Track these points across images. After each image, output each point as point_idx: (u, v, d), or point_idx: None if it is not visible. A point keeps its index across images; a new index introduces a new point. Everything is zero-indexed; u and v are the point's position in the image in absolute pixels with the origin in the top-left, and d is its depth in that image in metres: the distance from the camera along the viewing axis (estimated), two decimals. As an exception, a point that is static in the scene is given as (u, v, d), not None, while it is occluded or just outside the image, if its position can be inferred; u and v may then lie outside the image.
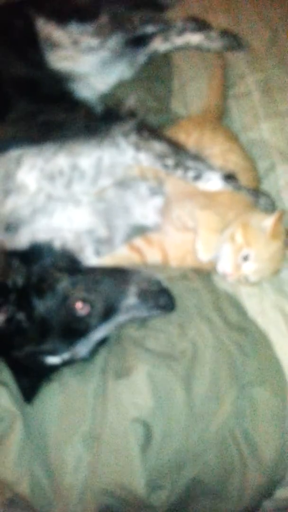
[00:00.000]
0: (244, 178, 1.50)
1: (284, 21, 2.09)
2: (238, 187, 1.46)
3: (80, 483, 1.16)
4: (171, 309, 1.27)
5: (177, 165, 1.47)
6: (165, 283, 1.30)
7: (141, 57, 2.04)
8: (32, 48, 1.82)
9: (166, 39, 2.05)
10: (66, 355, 1.23)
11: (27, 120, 1.52)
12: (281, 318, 1.36)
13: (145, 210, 1.50)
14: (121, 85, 1.99)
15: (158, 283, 1.30)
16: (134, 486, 1.11)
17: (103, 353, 1.29)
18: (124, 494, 1.12)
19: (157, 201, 1.50)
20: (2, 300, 1.20)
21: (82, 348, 1.24)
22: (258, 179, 1.60)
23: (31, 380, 1.25)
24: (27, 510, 1.27)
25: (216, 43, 2.01)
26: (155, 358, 1.21)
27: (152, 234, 1.46)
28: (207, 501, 1.22)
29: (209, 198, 1.43)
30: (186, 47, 2.05)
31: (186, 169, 1.46)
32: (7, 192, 1.33)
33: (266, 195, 1.52)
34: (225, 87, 1.87)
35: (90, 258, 1.37)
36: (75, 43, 1.88)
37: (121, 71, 1.99)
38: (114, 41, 1.94)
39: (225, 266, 1.31)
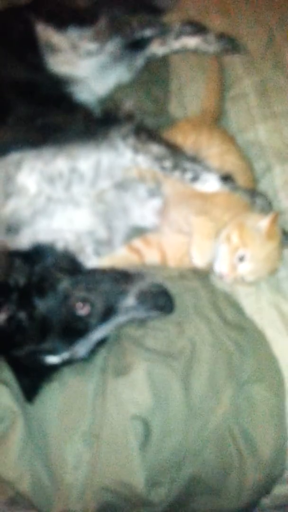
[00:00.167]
0: (241, 179, 1.52)
1: (280, 24, 2.11)
2: (235, 188, 1.48)
3: (80, 481, 1.18)
4: (170, 310, 1.29)
5: (174, 167, 1.49)
6: (165, 285, 1.32)
7: (139, 60, 2.06)
8: (31, 52, 1.84)
9: (163, 42, 2.07)
10: (65, 355, 1.24)
11: (27, 123, 1.54)
12: (277, 316, 1.38)
13: (144, 211, 1.51)
14: (119, 88, 2.01)
15: (158, 284, 1.31)
16: (133, 483, 1.12)
17: (102, 352, 1.31)
18: (124, 491, 1.14)
19: (156, 202, 1.52)
20: (4, 299, 1.22)
21: (82, 348, 1.26)
22: (254, 180, 1.62)
23: (32, 379, 1.27)
24: (28, 509, 1.29)
25: (213, 46, 2.03)
26: (154, 356, 1.23)
27: (150, 235, 1.48)
28: (206, 499, 1.23)
29: (205, 200, 1.45)
30: (183, 50, 2.07)
31: (184, 170, 1.48)
32: (7, 195, 1.35)
33: (263, 195, 1.53)
34: (222, 89, 1.89)
35: (90, 259, 1.39)
36: (74, 47, 1.90)
37: (119, 74, 2.02)
38: (113, 45, 1.96)
39: (221, 267, 1.33)
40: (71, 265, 1.33)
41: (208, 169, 1.49)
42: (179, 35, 2.07)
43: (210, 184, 1.47)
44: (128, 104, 1.75)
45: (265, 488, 1.27)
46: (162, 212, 1.50)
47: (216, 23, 2.13)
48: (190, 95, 1.95)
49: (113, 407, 1.18)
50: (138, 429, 1.16)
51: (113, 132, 1.48)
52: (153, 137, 1.53)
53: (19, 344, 1.23)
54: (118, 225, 1.48)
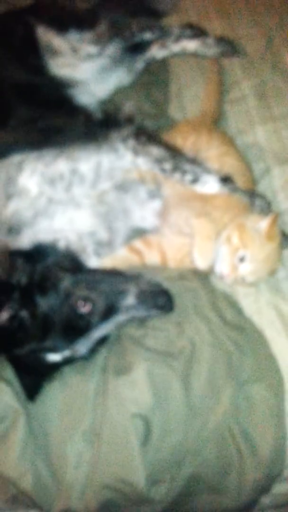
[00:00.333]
0: (240, 181, 1.53)
1: (279, 28, 2.13)
2: (235, 189, 1.49)
3: (81, 479, 1.19)
4: (170, 309, 1.30)
5: (174, 169, 1.50)
6: (165, 284, 1.33)
7: (139, 63, 2.07)
8: (32, 55, 1.85)
9: (163, 45, 2.08)
10: (66, 353, 1.26)
11: (28, 126, 1.55)
12: (276, 316, 1.39)
13: (144, 213, 1.53)
14: (119, 91, 2.03)
15: (157, 284, 1.33)
16: (134, 481, 1.14)
17: (103, 352, 1.32)
18: (124, 489, 1.15)
19: (156, 204, 1.53)
20: (6, 298, 1.23)
21: (82, 346, 1.27)
22: (253, 182, 1.63)
23: (33, 378, 1.28)
24: (29, 507, 1.30)
25: (212, 50, 2.05)
26: (154, 356, 1.24)
27: (151, 236, 1.49)
28: (206, 497, 1.24)
29: (205, 202, 1.46)
30: (183, 54, 2.09)
31: (184, 172, 1.49)
32: (9, 196, 1.36)
33: (262, 196, 1.55)
34: (221, 91, 1.91)
35: (91, 259, 1.41)
36: (75, 50, 1.92)
37: (119, 77, 2.03)
38: (113, 48, 1.98)
39: (222, 268, 1.34)
40: (72, 264, 1.34)
41: (207, 170, 1.50)
42: (178, 38, 2.09)
43: (210, 185, 1.49)
44: (128, 107, 1.77)
45: (265, 487, 1.28)
46: (162, 213, 1.51)
47: (216, 25, 2.16)
48: (189, 97, 1.97)
49: (113, 406, 1.19)
50: (138, 428, 1.17)
51: (113, 134, 1.50)
52: (153, 139, 1.54)
53: (21, 342, 1.24)
54: (118, 226, 1.49)
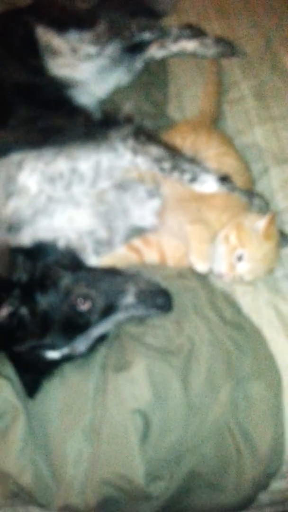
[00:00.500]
0: (239, 180, 1.55)
1: (278, 28, 2.14)
2: (233, 189, 1.50)
3: (81, 475, 1.20)
4: (169, 309, 1.32)
5: (173, 168, 1.51)
6: (164, 284, 1.34)
7: (138, 63, 2.08)
8: (32, 56, 1.86)
9: (162, 46, 2.10)
10: (65, 350, 1.27)
11: (28, 125, 1.56)
12: (274, 315, 1.40)
13: (143, 212, 1.54)
14: (118, 91, 2.04)
15: (157, 284, 1.34)
16: (133, 477, 1.14)
17: (103, 349, 1.33)
18: (124, 485, 1.16)
19: (155, 203, 1.54)
20: (6, 295, 1.24)
21: (81, 344, 1.28)
22: (252, 181, 1.65)
23: (33, 375, 1.29)
24: (29, 504, 1.31)
25: (211, 50, 2.06)
26: (154, 353, 1.25)
27: (150, 235, 1.50)
28: (204, 493, 1.25)
29: (202, 202, 1.47)
30: (181, 54, 2.10)
31: (182, 172, 1.50)
32: (9, 194, 1.37)
33: (260, 196, 1.56)
34: (220, 92, 1.92)
35: (91, 258, 1.42)
36: (74, 50, 1.92)
37: (118, 77, 2.04)
38: (112, 48, 1.99)
39: (220, 267, 1.36)
40: (72, 262, 1.35)
41: (206, 170, 1.51)
42: (177, 38, 2.10)
43: (208, 185, 1.50)
44: (128, 107, 1.78)
45: (263, 483, 1.28)
46: (161, 214, 1.52)
47: (215, 26, 2.17)
48: (188, 97, 1.98)
49: (113, 403, 1.20)
50: (138, 424, 1.17)
51: (113, 134, 1.51)
52: (152, 139, 1.55)
53: (20, 339, 1.25)
54: (118, 225, 1.50)
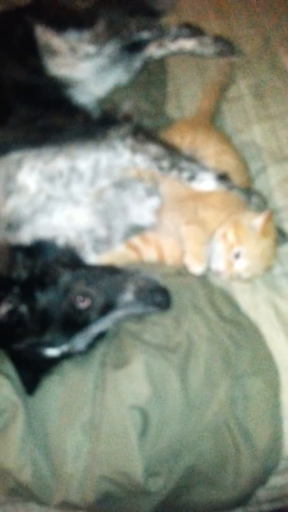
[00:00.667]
0: (237, 179, 1.55)
1: (277, 28, 2.15)
2: (231, 187, 1.51)
3: (80, 471, 1.20)
4: (167, 307, 1.32)
5: (172, 166, 1.52)
6: (162, 281, 1.35)
7: (137, 62, 2.09)
8: (31, 55, 1.87)
9: (161, 45, 2.10)
10: (64, 347, 1.27)
11: (27, 125, 1.57)
12: (272, 312, 1.41)
13: (142, 210, 1.54)
14: (117, 90, 2.05)
15: (155, 282, 1.35)
16: (132, 472, 1.15)
17: (102, 346, 1.34)
18: (122, 481, 1.17)
19: (153, 201, 1.55)
20: (6, 293, 1.25)
21: (80, 341, 1.29)
22: (250, 180, 1.65)
23: (32, 373, 1.30)
24: (29, 499, 1.32)
25: (209, 49, 2.07)
26: (152, 350, 1.25)
27: (148, 233, 1.51)
28: (203, 489, 1.26)
29: (199, 201, 1.48)
30: (180, 53, 2.11)
31: (181, 170, 1.51)
32: (8, 193, 1.38)
33: (258, 194, 1.57)
34: (222, 93, 1.92)
35: (90, 256, 1.43)
36: (73, 50, 1.93)
37: (117, 76, 2.05)
38: (111, 47, 2.00)
39: (218, 264, 1.36)
40: (71, 260, 1.36)
41: (204, 168, 1.52)
42: (176, 37, 2.11)
43: (207, 183, 1.50)
44: (127, 106, 1.78)
45: (261, 480, 1.29)
46: (159, 213, 1.53)
47: (213, 25, 2.18)
48: (187, 96, 1.99)
49: (112, 399, 1.21)
50: (136, 420, 1.18)
51: (112, 133, 1.52)
52: (150, 138, 1.56)
53: (20, 337, 1.26)
54: (116, 223, 1.51)
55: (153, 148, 1.53)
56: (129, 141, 1.52)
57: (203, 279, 1.46)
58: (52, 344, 1.27)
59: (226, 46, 2.07)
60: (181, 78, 2.06)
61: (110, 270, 1.37)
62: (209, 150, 1.58)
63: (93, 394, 1.25)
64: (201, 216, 1.44)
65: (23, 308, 1.26)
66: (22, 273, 1.29)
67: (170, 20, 2.19)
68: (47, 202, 1.39)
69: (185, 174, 1.51)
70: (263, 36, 2.12)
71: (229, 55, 2.06)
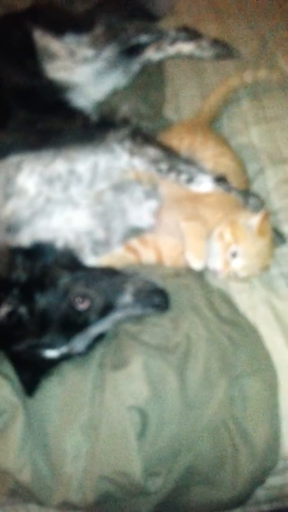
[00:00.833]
0: (235, 181, 1.57)
1: (273, 30, 2.17)
2: (229, 189, 1.52)
3: (79, 471, 1.21)
4: (165, 308, 1.33)
5: (170, 169, 1.53)
6: (160, 283, 1.36)
7: (135, 66, 2.10)
8: (30, 59, 1.88)
9: (159, 48, 2.12)
10: (64, 349, 1.28)
11: (26, 128, 1.58)
12: (270, 313, 1.42)
13: (140, 212, 1.55)
14: (115, 93, 2.06)
15: (154, 283, 1.36)
16: (131, 472, 1.16)
17: (100, 347, 1.34)
18: (122, 481, 1.17)
19: (152, 203, 1.56)
20: (5, 294, 1.26)
21: (79, 342, 1.29)
22: (248, 181, 1.67)
23: (32, 374, 1.30)
24: (28, 500, 1.33)
25: (207, 52, 2.09)
26: (151, 350, 1.26)
27: (147, 235, 1.52)
28: (201, 489, 1.26)
29: (197, 202, 1.49)
30: (178, 56, 2.12)
31: (179, 172, 1.52)
32: (7, 196, 1.39)
33: (256, 195, 1.58)
34: (224, 102, 1.92)
35: (89, 258, 1.44)
36: (72, 54, 1.95)
37: (115, 80, 2.06)
38: (109, 51, 2.01)
39: (215, 263, 1.38)
40: (71, 262, 1.37)
41: (202, 170, 1.53)
42: (174, 41, 2.12)
43: (205, 185, 1.52)
44: (125, 109, 1.80)
45: (259, 479, 1.30)
46: (157, 213, 1.54)
47: (211, 28, 2.20)
48: (185, 99, 2.00)
49: (111, 399, 1.21)
50: (135, 419, 1.19)
51: (110, 136, 1.53)
52: (149, 140, 1.57)
53: (19, 338, 1.27)
54: (115, 225, 1.52)
55: (151, 151, 1.54)
56: (128, 143, 1.53)
57: (201, 280, 1.47)
58: (51, 346, 1.27)
59: (224, 49, 2.09)
60: (179, 81, 2.08)
61: (109, 272, 1.38)
62: (208, 153, 1.59)
63: (93, 395, 1.25)
64: (201, 213, 1.46)
65: (23, 310, 1.27)
66: (21, 275, 1.30)
67: (168, 24, 2.21)
68: (46, 205, 1.40)
69: (183, 177, 1.52)
70: (260, 38, 2.13)
71: (226, 58, 2.07)
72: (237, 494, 1.26)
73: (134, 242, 1.50)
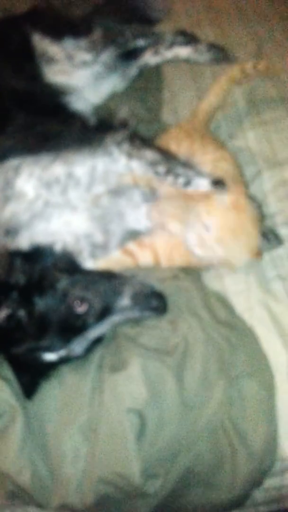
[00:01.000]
0: (232, 184, 1.57)
1: (269, 34, 2.19)
2: (226, 192, 1.53)
3: (78, 473, 1.21)
4: (163, 311, 1.34)
5: (168, 172, 1.54)
6: (158, 286, 1.37)
7: (133, 69, 2.12)
8: (28, 63, 1.89)
9: (156, 52, 2.13)
10: (62, 352, 1.29)
11: (25, 131, 1.59)
12: (267, 315, 1.43)
13: (138, 215, 1.56)
14: (113, 97, 2.07)
15: (151, 286, 1.36)
16: (129, 474, 1.16)
17: (99, 350, 1.35)
18: (120, 483, 1.17)
19: (149, 207, 1.57)
20: (4, 297, 1.26)
21: (78, 345, 1.30)
22: (245, 185, 1.67)
23: (31, 377, 1.31)
24: (27, 503, 1.33)
25: (204, 56, 2.10)
26: (149, 352, 1.27)
27: (144, 238, 1.53)
28: (200, 491, 1.26)
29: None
30: (175, 60, 2.14)
31: (177, 175, 1.53)
32: (6, 199, 1.40)
33: (253, 198, 1.59)
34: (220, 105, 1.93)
35: (87, 261, 1.44)
36: (70, 57, 1.96)
37: (113, 83, 2.08)
38: (107, 55, 2.03)
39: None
40: (69, 265, 1.38)
41: (200, 174, 1.54)
42: (171, 45, 2.14)
43: (202, 189, 1.53)
44: (122, 112, 1.81)
45: (257, 481, 1.30)
46: (153, 212, 1.55)
47: (207, 32, 2.22)
48: (182, 103, 2.01)
49: (109, 401, 1.22)
50: (133, 421, 1.19)
51: (108, 139, 1.54)
52: (146, 143, 1.58)
53: (18, 341, 1.27)
54: (113, 229, 1.52)
55: (149, 154, 1.55)
56: (125, 147, 1.54)
57: (199, 283, 1.48)
58: (50, 349, 1.28)
59: (220, 53, 2.11)
60: (176, 84, 2.09)
61: (107, 275, 1.39)
62: (206, 157, 1.60)
63: (91, 397, 1.26)
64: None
65: (22, 313, 1.27)
66: (20, 278, 1.30)
67: (165, 28, 2.23)
68: (45, 208, 1.41)
69: (181, 180, 1.53)
70: (257, 41, 2.15)
71: (223, 62, 2.09)
72: (235, 495, 1.27)
73: (131, 246, 1.51)
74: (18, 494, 1.28)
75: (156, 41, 2.15)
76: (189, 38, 2.15)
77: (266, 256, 1.54)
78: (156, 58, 2.13)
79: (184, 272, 1.46)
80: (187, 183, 1.53)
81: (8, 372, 1.31)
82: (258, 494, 1.40)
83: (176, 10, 2.32)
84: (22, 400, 1.28)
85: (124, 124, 1.68)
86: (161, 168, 1.54)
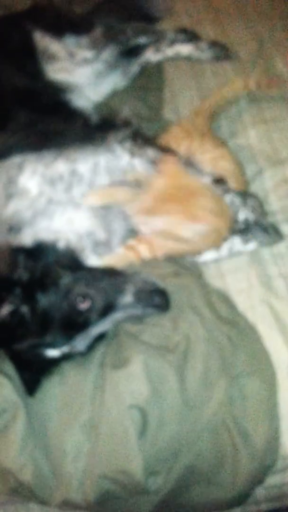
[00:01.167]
0: (233, 182, 1.58)
1: (270, 32, 2.18)
2: (227, 190, 1.54)
3: (80, 470, 1.22)
4: (166, 309, 1.34)
5: None
6: (161, 284, 1.37)
7: (134, 67, 2.11)
8: (30, 60, 1.89)
9: (157, 50, 2.13)
10: (65, 349, 1.29)
11: (28, 129, 1.59)
12: (269, 312, 1.43)
13: None
14: (115, 94, 2.07)
15: (154, 283, 1.36)
16: (131, 471, 1.16)
17: (101, 347, 1.35)
18: (122, 479, 1.18)
19: None
20: (7, 294, 1.26)
21: (80, 342, 1.30)
22: (246, 183, 1.68)
23: (33, 373, 1.31)
24: (29, 499, 1.33)
25: (205, 54, 2.10)
26: (151, 350, 1.27)
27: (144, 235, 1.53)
28: (201, 488, 1.27)
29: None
30: (176, 58, 2.13)
31: None
32: (9, 196, 1.40)
33: (254, 196, 1.59)
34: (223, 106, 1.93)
35: (90, 258, 1.44)
36: (71, 55, 1.95)
37: (114, 81, 2.07)
38: (108, 52, 2.02)
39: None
40: (72, 262, 1.38)
41: (201, 172, 1.54)
42: (172, 42, 2.13)
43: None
44: (125, 110, 1.81)
45: (258, 478, 1.31)
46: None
47: (209, 30, 2.21)
48: (183, 100, 2.01)
49: (111, 398, 1.22)
50: (135, 418, 1.20)
51: (111, 137, 1.54)
52: (148, 141, 1.59)
53: (21, 337, 1.27)
54: (116, 226, 1.53)
55: (151, 151, 1.56)
56: (128, 144, 1.55)
57: (201, 280, 1.48)
58: (52, 345, 1.28)
59: (221, 51, 2.10)
60: (178, 82, 2.08)
61: (110, 272, 1.39)
62: (206, 156, 1.60)
63: (93, 394, 1.26)
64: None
65: (24, 309, 1.27)
66: (23, 274, 1.30)
67: (166, 25, 2.22)
68: (48, 205, 1.41)
69: None
70: (258, 40, 2.14)
71: (224, 60, 2.09)
72: (237, 493, 1.27)
73: (131, 241, 1.51)
74: (20, 491, 1.28)
75: (157, 39, 2.14)
76: (191, 36, 2.15)
77: (268, 254, 1.55)
78: (158, 56, 2.13)
79: (185, 269, 1.46)
80: None
81: (10, 368, 1.31)
82: (260, 492, 1.41)
83: (177, 9, 2.31)
84: (24, 397, 1.28)
85: (126, 122, 1.68)
86: None
